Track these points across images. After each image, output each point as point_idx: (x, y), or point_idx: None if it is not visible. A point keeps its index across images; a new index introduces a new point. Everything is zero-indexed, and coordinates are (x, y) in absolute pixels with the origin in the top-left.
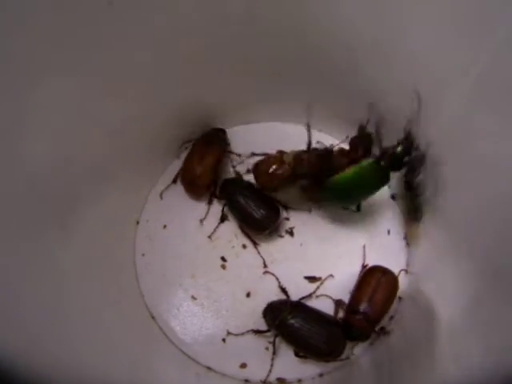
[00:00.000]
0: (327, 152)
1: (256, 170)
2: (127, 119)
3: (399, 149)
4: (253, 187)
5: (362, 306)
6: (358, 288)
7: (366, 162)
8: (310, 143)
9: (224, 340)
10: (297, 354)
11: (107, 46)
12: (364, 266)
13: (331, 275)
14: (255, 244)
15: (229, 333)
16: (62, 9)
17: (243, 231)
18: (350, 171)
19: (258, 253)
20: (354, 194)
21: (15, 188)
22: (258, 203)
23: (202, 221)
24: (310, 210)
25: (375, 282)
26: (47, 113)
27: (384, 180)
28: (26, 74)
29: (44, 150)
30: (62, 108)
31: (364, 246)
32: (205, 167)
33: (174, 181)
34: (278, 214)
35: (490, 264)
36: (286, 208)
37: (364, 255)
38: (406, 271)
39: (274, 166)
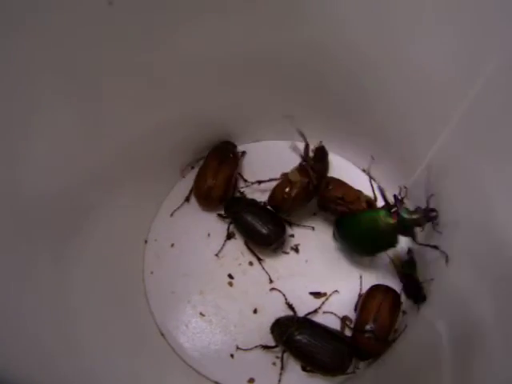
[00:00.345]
0: (321, 149)
1: (273, 200)
2: (136, 134)
3: (414, 216)
4: (258, 204)
5: (369, 326)
6: (363, 308)
7: (375, 212)
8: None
9: (232, 356)
10: (304, 369)
11: (107, 47)
12: (360, 296)
13: (336, 291)
14: (260, 260)
15: (238, 348)
16: (63, 9)
17: (248, 247)
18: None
19: (263, 268)
20: (359, 241)
21: (18, 197)
22: (265, 219)
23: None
24: (313, 228)
25: (379, 301)
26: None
27: (390, 241)
28: (26, 74)
29: (51, 162)
30: (63, 116)
31: (361, 277)
32: (218, 180)
33: (187, 199)
34: (283, 229)
35: (488, 276)
36: (291, 225)
37: (361, 285)
38: None
39: (286, 190)
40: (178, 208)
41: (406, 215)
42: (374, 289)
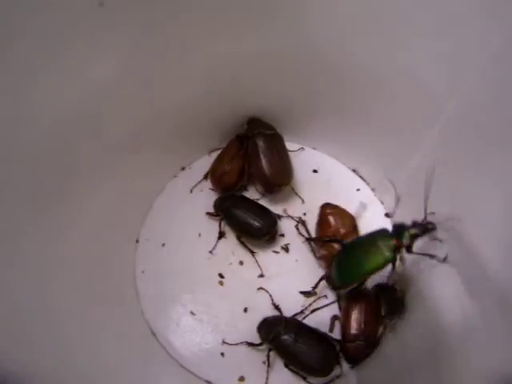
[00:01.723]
0: None
1: None
2: (133, 129)
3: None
4: (247, 199)
5: (358, 333)
6: (346, 317)
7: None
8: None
9: (223, 354)
10: (286, 366)
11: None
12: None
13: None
14: (253, 253)
15: (224, 342)
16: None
17: (241, 241)
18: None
19: (256, 261)
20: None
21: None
22: (256, 212)
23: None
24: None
25: (361, 306)
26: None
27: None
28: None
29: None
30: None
31: None
32: (233, 166)
33: (206, 177)
34: (275, 220)
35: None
36: (279, 218)
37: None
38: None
39: None
40: (196, 185)
41: (405, 239)
42: (354, 294)
